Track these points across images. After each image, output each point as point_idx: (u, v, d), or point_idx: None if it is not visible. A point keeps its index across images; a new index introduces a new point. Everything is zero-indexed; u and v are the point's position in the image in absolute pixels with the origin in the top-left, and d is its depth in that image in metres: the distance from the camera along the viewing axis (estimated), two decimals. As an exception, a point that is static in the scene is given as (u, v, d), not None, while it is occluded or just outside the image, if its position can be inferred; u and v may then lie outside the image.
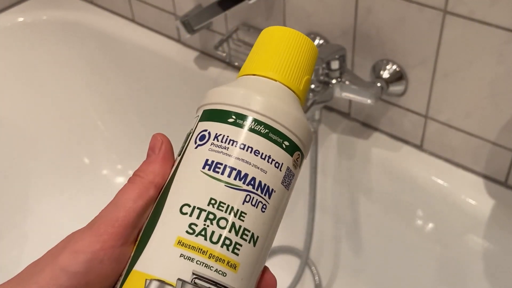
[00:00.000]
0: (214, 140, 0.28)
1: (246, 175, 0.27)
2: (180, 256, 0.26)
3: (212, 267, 0.26)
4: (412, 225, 0.84)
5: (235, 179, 0.27)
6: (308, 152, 0.31)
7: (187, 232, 0.26)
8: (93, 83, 1.20)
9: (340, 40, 0.80)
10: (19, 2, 1.18)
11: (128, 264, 0.27)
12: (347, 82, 0.76)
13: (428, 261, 0.84)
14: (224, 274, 0.26)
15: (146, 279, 0.25)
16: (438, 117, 0.77)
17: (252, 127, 0.28)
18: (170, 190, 0.28)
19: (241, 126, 0.28)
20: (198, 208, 0.26)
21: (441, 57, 0.71)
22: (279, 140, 0.28)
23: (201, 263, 0.25)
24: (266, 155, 0.27)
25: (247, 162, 0.27)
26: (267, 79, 0.30)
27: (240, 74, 0.31)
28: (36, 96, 1.19)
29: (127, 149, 1.20)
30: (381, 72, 0.77)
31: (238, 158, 0.27)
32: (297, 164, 0.29)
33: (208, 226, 0.26)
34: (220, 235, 0.26)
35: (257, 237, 0.27)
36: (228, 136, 0.28)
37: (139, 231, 0.28)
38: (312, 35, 0.83)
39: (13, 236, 1.07)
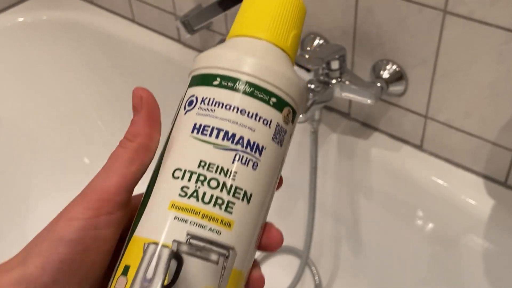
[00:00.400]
0: (201, 104, 0.28)
1: (233, 135, 0.27)
2: (174, 218, 0.26)
3: (206, 226, 0.26)
4: (412, 225, 0.84)
5: (223, 139, 0.27)
6: (302, 108, 0.31)
7: (179, 195, 0.27)
8: (93, 83, 1.20)
9: (340, 40, 0.80)
10: (19, 2, 1.18)
11: (130, 231, 0.28)
12: (347, 82, 0.76)
13: (428, 261, 0.84)
14: (219, 233, 0.26)
15: (144, 243, 0.26)
16: (438, 117, 0.77)
17: (236, 87, 0.28)
18: (164, 157, 0.28)
19: (225, 87, 0.28)
20: (188, 171, 0.27)
21: (441, 57, 0.71)
22: (265, 97, 0.28)
23: (195, 224, 0.26)
24: (252, 113, 0.28)
25: (233, 122, 0.27)
26: (252, 39, 0.30)
27: (228, 37, 0.31)
28: (36, 96, 1.19)
29: (127, 149, 1.20)
30: (381, 72, 0.77)
31: (224, 119, 0.27)
32: (288, 120, 0.29)
33: (199, 187, 0.27)
34: (212, 195, 0.27)
35: (251, 194, 0.27)
36: (214, 99, 0.28)
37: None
38: (312, 35, 0.83)
39: (13, 236, 1.07)
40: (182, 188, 0.27)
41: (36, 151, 1.18)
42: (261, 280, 0.29)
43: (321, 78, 0.76)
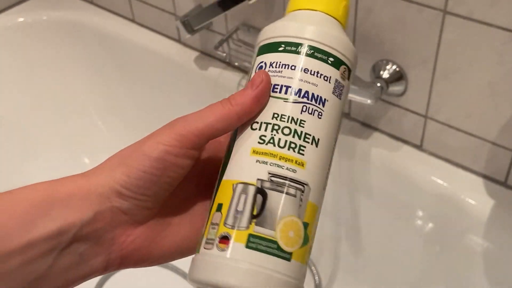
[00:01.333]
0: (269, 67, 0.33)
1: (300, 90, 0.32)
2: (256, 162, 0.31)
3: (283, 166, 0.31)
4: (412, 225, 0.84)
5: (291, 94, 0.32)
6: (356, 67, 0.36)
7: (258, 142, 0.32)
8: (93, 83, 1.20)
9: (340, 40, 0.80)
10: (19, 2, 1.19)
11: (218, 179, 0.33)
12: (347, 82, 0.76)
13: (427, 261, 0.84)
14: (294, 171, 0.31)
15: (233, 184, 0.31)
16: (438, 117, 0.77)
17: (299, 50, 0.33)
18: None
19: (289, 51, 0.33)
20: (264, 122, 0.32)
21: (441, 57, 0.71)
22: (324, 57, 0.33)
23: (274, 164, 0.31)
24: (314, 71, 0.32)
25: (299, 79, 0.32)
26: (309, 11, 0.35)
27: (287, 11, 0.36)
28: (36, 96, 1.19)
29: (127, 149, 1.20)
30: (381, 72, 0.77)
31: (291, 77, 0.32)
32: (345, 76, 0.34)
33: (275, 135, 0.31)
34: (286, 141, 0.31)
35: (318, 139, 0.32)
36: (280, 62, 0.33)
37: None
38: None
39: (13, 236, 1.07)
40: (260, 137, 0.32)
41: (36, 150, 1.18)
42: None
43: (321, 78, 0.76)
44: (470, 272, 0.78)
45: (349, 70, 0.34)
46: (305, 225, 0.31)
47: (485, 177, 0.77)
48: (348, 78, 0.34)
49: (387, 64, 0.77)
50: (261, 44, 0.35)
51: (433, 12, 0.68)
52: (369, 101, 0.75)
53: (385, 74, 0.77)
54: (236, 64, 0.97)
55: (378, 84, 0.76)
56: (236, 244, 0.30)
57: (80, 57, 1.18)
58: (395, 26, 0.73)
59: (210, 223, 0.32)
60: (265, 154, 0.31)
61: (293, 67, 0.33)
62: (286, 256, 0.30)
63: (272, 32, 0.35)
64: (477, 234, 0.76)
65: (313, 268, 1.01)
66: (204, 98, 1.05)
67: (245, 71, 0.97)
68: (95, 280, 1.03)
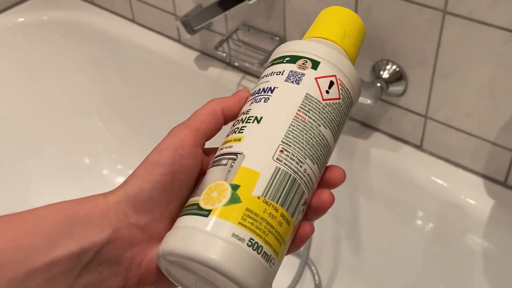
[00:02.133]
0: (261, 79, 0.38)
1: (257, 90, 0.36)
2: (218, 150, 0.35)
3: (223, 147, 0.34)
4: (412, 225, 0.84)
5: (250, 96, 0.37)
6: (332, 59, 0.37)
7: (226, 136, 0.35)
8: (94, 83, 1.20)
9: (340, 40, 0.80)
10: (19, 2, 1.19)
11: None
12: (347, 82, 0.76)
13: (427, 261, 0.84)
14: (230, 147, 0.34)
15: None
16: (437, 117, 0.77)
17: (275, 63, 0.37)
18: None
19: (272, 64, 0.37)
20: (233, 122, 0.36)
21: (440, 57, 0.71)
22: (280, 60, 0.37)
23: (221, 149, 0.34)
24: (269, 73, 0.36)
25: (261, 83, 0.36)
26: (319, 38, 0.38)
27: (305, 37, 0.39)
28: (37, 96, 1.19)
29: (128, 149, 1.20)
30: (381, 72, 0.77)
31: (258, 84, 0.37)
32: (305, 66, 0.36)
33: (231, 129, 0.35)
34: (232, 129, 0.35)
35: (261, 117, 0.34)
36: (265, 75, 0.37)
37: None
38: (312, 35, 0.83)
39: (13, 236, 1.07)
40: (228, 133, 0.35)
41: (36, 150, 1.18)
42: (309, 230, 0.35)
43: (321, 78, 0.76)
44: (470, 272, 0.78)
45: (310, 61, 0.36)
46: (234, 186, 0.32)
47: (485, 177, 0.77)
48: (309, 67, 0.36)
49: (387, 64, 0.77)
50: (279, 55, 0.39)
51: (433, 12, 0.68)
52: (369, 101, 0.75)
53: (385, 74, 0.77)
54: (236, 64, 0.97)
55: (378, 84, 0.76)
56: (179, 216, 0.33)
57: (80, 57, 1.18)
58: (395, 26, 0.73)
59: None
60: (222, 143, 0.35)
61: (264, 75, 0.37)
62: (204, 213, 0.32)
63: (276, 52, 0.38)
64: (477, 234, 0.76)
65: (313, 268, 1.01)
66: (204, 98, 1.04)
67: (245, 71, 0.97)
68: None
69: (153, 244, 0.33)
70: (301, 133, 0.34)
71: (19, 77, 1.18)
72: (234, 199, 0.31)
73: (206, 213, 0.31)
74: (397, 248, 0.89)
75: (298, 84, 0.35)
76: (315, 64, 0.36)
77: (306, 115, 0.34)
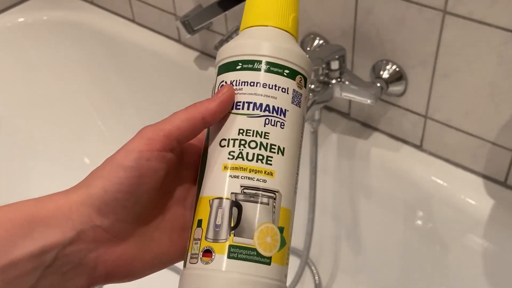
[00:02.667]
0: (229, 84, 0.35)
1: (261, 104, 0.34)
2: (229, 177, 0.33)
3: (254, 178, 0.33)
4: (412, 224, 0.84)
5: (253, 109, 0.34)
6: (311, 74, 0.38)
7: (228, 158, 0.34)
8: (94, 83, 1.20)
9: (340, 40, 0.80)
10: (19, 2, 1.19)
11: (196, 196, 0.35)
12: (347, 82, 0.76)
13: (427, 261, 0.84)
14: (265, 181, 0.33)
15: (209, 200, 0.33)
16: (437, 117, 0.77)
17: (255, 67, 0.35)
18: (210, 134, 0.36)
19: (247, 69, 0.35)
20: (231, 139, 0.34)
21: (440, 57, 0.71)
22: (279, 70, 0.35)
23: (245, 177, 0.33)
24: (272, 85, 0.34)
25: (259, 94, 0.34)
26: (259, 27, 0.36)
27: (240, 29, 0.38)
28: (36, 96, 1.19)
29: (127, 149, 1.20)
30: (381, 72, 0.78)
31: (251, 94, 0.34)
32: (301, 85, 0.36)
33: (242, 150, 0.33)
34: (254, 154, 0.33)
35: (284, 148, 0.34)
36: (239, 79, 0.35)
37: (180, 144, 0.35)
38: (312, 36, 0.83)
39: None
40: (229, 153, 0.34)
41: (36, 151, 1.18)
42: None
43: (321, 78, 0.77)
44: (470, 272, 0.78)
45: (305, 79, 0.36)
46: (281, 229, 0.33)
47: (485, 177, 0.77)
48: (305, 86, 0.36)
49: (387, 64, 0.77)
50: (220, 64, 0.37)
51: (433, 12, 0.68)
52: (369, 101, 0.75)
53: (385, 74, 0.77)
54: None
55: (378, 84, 0.76)
56: (218, 256, 0.32)
57: (80, 57, 1.18)
58: (395, 26, 0.73)
59: (193, 239, 0.34)
60: (236, 168, 0.33)
61: (252, 84, 0.34)
62: (266, 260, 0.32)
63: (228, 52, 0.36)
64: (477, 234, 0.76)
65: (313, 268, 1.01)
66: (204, 98, 1.05)
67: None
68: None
69: (117, 243, 0.33)
70: (300, 157, 0.36)
71: (19, 77, 1.18)
72: (283, 243, 0.33)
73: (268, 260, 0.32)
74: (397, 248, 0.89)
75: (299, 107, 0.36)
76: (305, 82, 0.36)
77: (302, 137, 0.36)
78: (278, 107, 0.34)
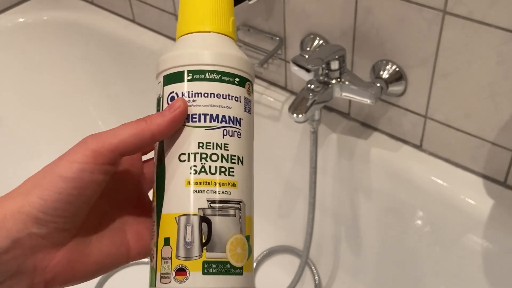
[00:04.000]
0: (182, 97, 0.34)
1: (217, 115, 0.34)
2: (193, 192, 0.33)
3: (219, 191, 0.33)
4: (412, 224, 0.84)
5: (210, 121, 0.33)
6: (254, 78, 0.37)
7: (191, 173, 0.33)
8: (94, 83, 1.20)
9: (340, 40, 0.80)
10: (19, 2, 1.19)
11: (155, 213, 0.34)
12: (346, 82, 0.76)
13: (427, 261, 0.84)
14: (229, 193, 0.33)
15: (175, 217, 0.33)
16: (437, 117, 0.77)
17: (208, 77, 0.34)
18: (164, 148, 0.34)
19: (198, 79, 0.34)
20: (192, 153, 0.33)
21: (440, 57, 0.71)
22: (231, 79, 0.34)
23: (210, 191, 0.33)
24: (226, 95, 0.34)
25: (214, 105, 0.34)
26: (202, 33, 0.35)
27: (178, 35, 0.36)
28: (36, 96, 1.19)
29: (127, 149, 1.20)
30: (381, 72, 0.78)
31: (206, 105, 0.34)
32: (250, 91, 0.36)
33: (204, 163, 0.33)
34: (216, 166, 0.33)
35: (242, 157, 0.34)
36: (192, 91, 0.34)
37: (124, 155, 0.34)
38: (312, 36, 0.83)
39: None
40: (191, 167, 0.33)
41: (36, 151, 1.18)
42: None
43: (321, 78, 0.77)
44: (470, 272, 0.78)
45: (252, 84, 0.36)
46: (247, 238, 0.34)
47: (485, 177, 0.77)
48: (252, 92, 0.36)
49: (387, 64, 0.77)
50: (166, 73, 0.35)
51: (433, 12, 0.68)
52: (369, 101, 0.75)
53: (385, 74, 0.77)
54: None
55: (378, 84, 0.76)
56: (193, 273, 0.32)
57: (80, 57, 1.19)
58: (395, 26, 0.73)
59: (161, 258, 0.33)
60: (200, 183, 0.33)
61: (206, 95, 0.34)
62: (238, 271, 0.33)
63: (175, 61, 0.35)
64: (477, 234, 0.76)
65: (313, 268, 1.01)
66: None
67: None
68: (95, 280, 1.03)
69: (57, 249, 0.32)
70: (253, 163, 0.36)
71: (19, 77, 1.18)
72: (250, 251, 0.34)
73: (240, 271, 0.33)
74: (397, 248, 0.89)
75: (250, 113, 0.36)
76: (252, 87, 0.36)
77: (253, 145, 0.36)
78: (234, 117, 0.34)
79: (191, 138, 0.33)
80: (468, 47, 0.68)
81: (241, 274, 0.33)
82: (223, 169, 0.33)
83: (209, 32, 0.35)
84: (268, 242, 1.05)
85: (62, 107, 1.21)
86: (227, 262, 0.32)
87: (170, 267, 0.32)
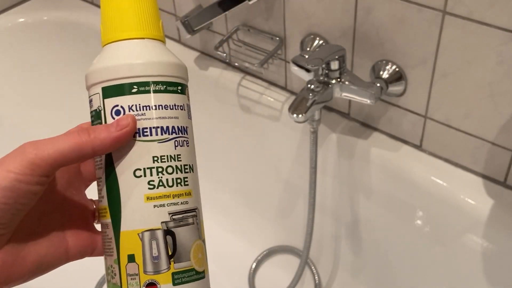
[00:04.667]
0: (130, 111, 0.33)
1: (167, 127, 0.33)
2: (154, 207, 0.33)
3: (178, 202, 0.33)
4: (412, 224, 0.84)
5: (162, 134, 0.33)
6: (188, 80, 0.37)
7: (149, 188, 0.33)
8: (94, 83, 1.20)
9: (340, 40, 0.80)
10: (20, 2, 1.19)
11: (111, 230, 0.34)
12: (346, 83, 0.76)
13: (427, 261, 0.84)
14: (186, 202, 0.34)
15: (138, 234, 0.33)
16: (437, 117, 0.77)
17: (155, 89, 0.33)
18: (114, 161, 0.34)
19: (144, 92, 0.33)
20: (148, 168, 0.33)
21: (440, 57, 0.71)
22: (174, 89, 0.34)
23: (171, 204, 0.33)
24: (172, 105, 0.34)
25: (164, 117, 0.33)
26: (136, 40, 0.34)
27: (107, 42, 0.35)
28: (36, 95, 1.19)
29: (127, 149, 1.20)
30: (381, 72, 0.78)
31: (156, 118, 0.33)
32: (189, 96, 0.36)
33: (161, 177, 0.33)
34: (173, 179, 0.33)
35: (192, 165, 0.35)
36: (139, 104, 0.33)
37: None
38: (312, 36, 0.83)
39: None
40: (149, 183, 0.33)
41: (37, 151, 1.18)
42: None
43: (321, 78, 0.77)
44: (470, 271, 0.78)
45: (187, 87, 0.36)
46: (204, 241, 0.35)
47: (485, 177, 0.77)
48: (188, 95, 0.36)
49: (386, 64, 0.77)
50: (106, 85, 0.34)
51: (433, 12, 0.68)
52: (368, 101, 0.75)
53: (385, 74, 0.77)
54: (236, 64, 0.97)
55: (378, 84, 0.76)
56: (164, 286, 0.33)
57: (80, 57, 1.18)
58: (395, 26, 0.73)
59: (126, 275, 0.33)
60: (160, 197, 0.33)
61: (154, 107, 0.33)
62: (202, 275, 0.34)
63: (115, 72, 0.33)
64: (477, 234, 0.76)
65: (313, 268, 1.02)
66: (204, 98, 1.05)
67: (245, 71, 0.98)
68: (94, 280, 1.03)
69: None
70: None
71: (19, 77, 1.18)
72: (205, 252, 0.35)
73: (203, 274, 0.34)
74: (397, 248, 0.89)
75: (191, 119, 0.36)
76: (188, 90, 0.36)
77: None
78: (181, 126, 0.34)
79: (145, 153, 0.33)
80: (468, 47, 0.68)
81: (204, 277, 0.34)
82: (179, 180, 0.33)
83: (143, 38, 0.34)
84: (268, 242, 1.05)
85: (62, 107, 1.21)
86: (193, 269, 0.33)
87: (138, 283, 0.33)
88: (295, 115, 0.75)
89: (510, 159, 0.73)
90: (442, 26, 0.69)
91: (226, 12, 0.86)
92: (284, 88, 0.95)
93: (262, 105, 0.94)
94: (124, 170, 0.33)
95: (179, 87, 0.34)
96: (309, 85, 0.76)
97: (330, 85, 0.76)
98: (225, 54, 0.93)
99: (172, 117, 0.33)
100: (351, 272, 0.98)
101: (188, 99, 0.36)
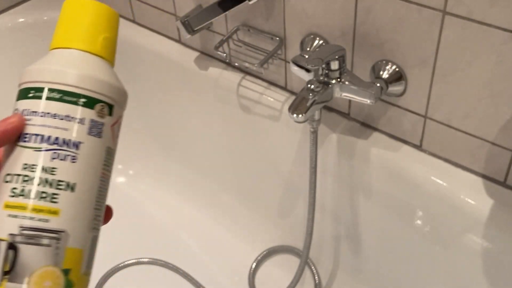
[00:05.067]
0: (19, 114, 0.33)
1: (49, 137, 0.32)
2: (8, 216, 0.31)
3: (35, 217, 0.31)
4: (411, 224, 0.84)
5: (40, 143, 0.32)
6: (122, 99, 0.35)
7: (10, 196, 0.31)
8: (94, 83, 1.20)
9: (339, 40, 0.80)
10: (20, 2, 1.19)
11: None
12: (346, 82, 0.76)
13: (427, 261, 0.84)
14: (47, 221, 0.31)
15: None
16: (437, 117, 0.77)
17: (46, 96, 0.32)
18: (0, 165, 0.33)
19: (38, 97, 0.33)
20: (15, 174, 0.32)
21: (440, 57, 0.71)
22: (73, 99, 0.33)
23: (25, 217, 0.31)
24: (64, 116, 0.32)
25: (48, 126, 0.32)
26: (62, 49, 0.34)
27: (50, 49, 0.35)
28: (37, 96, 1.19)
29: (128, 149, 1.20)
30: (381, 72, 0.78)
31: (40, 125, 0.32)
32: (104, 113, 0.34)
33: (25, 186, 0.31)
34: (37, 191, 0.31)
35: (74, 183, 0.32)
36: (29, 109, 0.33)
37: None
38: (312, 36, 0.83)
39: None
40: (12, 190, 0.32)
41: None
42: (110, 212, 0.35)
43: (321, 78, 0.77)
44: (470, 271, 0.78)
45: (110, 106, 0.34)
46: (66, 271, 0.31)
47: (485, 177, 0.77)
48: (111, 114, 0.34)
49: (386, 64, 0.77)
50: (20, 87, 0.34)
51: (433, 12, 0.68)
52: (368, 101, 0.75)
53: (385, 74, 0.77)
54: (236, 64, 0.97)
55: (378, 84, 0.76)
56: None
57: (80, 57, 1.18)
58: (395, 26, 0.73)
59: None
60: (16, 207, 0.31)
61: (41, 114, 0.32)
62: None
63: (29, 76, 0.34)
64: (477, 234, 0.76)
65: (313, 268, 1.02)
66: (204, 98, 1.05)
67: (245, 71, 0.98)
68: (94, 280, 1.03)
69: None
70: (104, 190, 0.34)
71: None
72: (69, 285, 0.32)
73: None
74: (397, 248, 0.89)
75: (100, 137, 0.33)
76: (110, 109, 0.34)
77: (107, 171, 0.34)
78: (69, 140, 0.32)
79: (18, 159, 0.32)
80: (468, 47, 0.68)
81: None
82: (44, 195, 0.31)
83: (71, 48, 0.34)
84: (268, 242, 1.05)
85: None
86: None
87: None
88: (295, 115, 0.75)
89: (510, 159, 0.73)
90: (442, 26, 0.69)
91: (226, 12, 0.86)
92: (284, 88, 0.95)
93: (262, 105, 0.94)
94: (1, 174, 0.33)
95: (82, 99, 0.32)
96: (309, 85, 0.76)
97: (330, 85, 0.76)
98: (225, 54, 0.93)
99: (58, 128, 0.32)
100: (351, 272, 0.98)
101: (102, 116, 0.33)
